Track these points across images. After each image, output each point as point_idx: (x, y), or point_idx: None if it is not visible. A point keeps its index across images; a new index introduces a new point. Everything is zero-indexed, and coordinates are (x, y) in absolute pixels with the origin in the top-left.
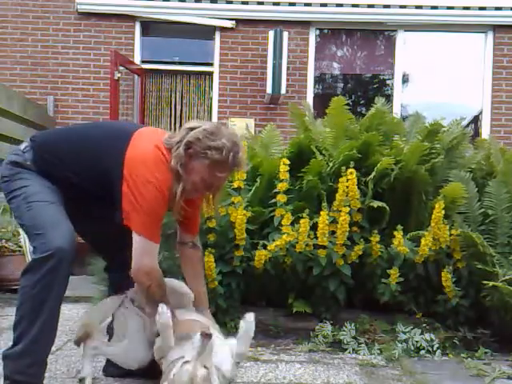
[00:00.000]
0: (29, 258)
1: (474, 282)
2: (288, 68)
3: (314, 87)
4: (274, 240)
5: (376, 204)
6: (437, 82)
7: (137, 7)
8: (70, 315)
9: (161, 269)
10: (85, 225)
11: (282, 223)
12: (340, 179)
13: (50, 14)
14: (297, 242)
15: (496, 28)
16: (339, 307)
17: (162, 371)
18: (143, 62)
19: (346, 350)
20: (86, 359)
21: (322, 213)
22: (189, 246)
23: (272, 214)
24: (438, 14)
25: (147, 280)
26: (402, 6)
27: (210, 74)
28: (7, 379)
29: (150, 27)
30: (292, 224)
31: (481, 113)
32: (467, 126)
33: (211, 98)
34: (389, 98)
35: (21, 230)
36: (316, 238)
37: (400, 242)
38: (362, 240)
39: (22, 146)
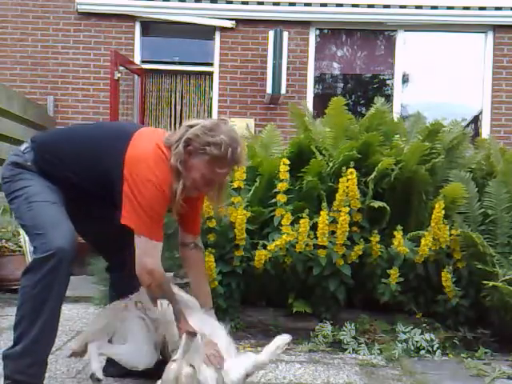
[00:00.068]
0: (29, 258)
1: (473, 282)
2: (288, 68)
3: (314, 87)
4: (273, 240)
5: (376, 204)
6: (437, 82)
7: (137, 7)
8: (70, 315)
9: None
10: (85, 225)
11: (282, 223)
12: (340, 179)
13: (50, 14)
14: (297, 242)
15: (496, 28)
16: (339, 307)
17: None
18: (143, 62)
19: (346, 350)
20: (93, 356)
21: (321, 213)
22: (190, 247)
23: (272, 214)
24: (437, 14)
25: (149, 279)
26: (402, 6)
27: (210, 73)
28: (7, 379)
29: (150, 27)
30: (292, 224)
31: (481, 113)
32: (467, 125)
33: (211, 98)
34: (389, 98)
35: (21, 230)
36: (316, 237)
37: (400, 242)
38: (361, 240)
39: (23, 147)
